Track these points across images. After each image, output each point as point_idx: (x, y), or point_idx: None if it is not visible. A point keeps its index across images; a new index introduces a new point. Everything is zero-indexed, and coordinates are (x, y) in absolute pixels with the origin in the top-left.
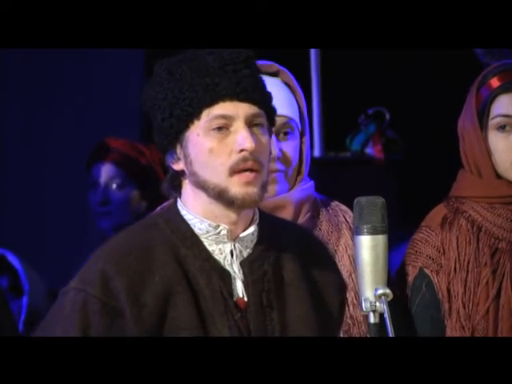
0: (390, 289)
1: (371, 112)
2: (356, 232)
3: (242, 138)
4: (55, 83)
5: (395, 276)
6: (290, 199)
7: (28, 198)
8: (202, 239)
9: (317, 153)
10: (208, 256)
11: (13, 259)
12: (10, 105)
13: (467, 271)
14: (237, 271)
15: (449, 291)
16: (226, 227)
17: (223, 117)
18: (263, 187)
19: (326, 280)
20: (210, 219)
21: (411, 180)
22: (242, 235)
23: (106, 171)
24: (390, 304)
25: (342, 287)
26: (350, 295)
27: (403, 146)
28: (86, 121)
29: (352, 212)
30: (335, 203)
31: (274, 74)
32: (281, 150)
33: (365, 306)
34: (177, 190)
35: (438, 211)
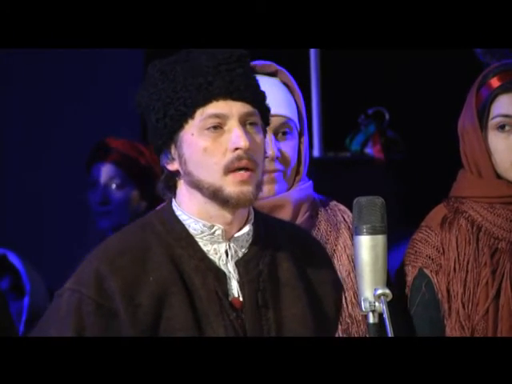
0: (390, 289)
1: (371, 112)
2: (355, 232)
3: (236, 137)
4: (55, 83)
5: (395, 276)
6: (288, 199)
7: (28, 197)
8: (197, 239)
9: (316, 153)
10: (203, 256)
11: (14, 259)
12: (10, 105)
13: (467, 271)
14: (232, 271)
15: (448, 291)
16: (221, 227)
17: (217, 116)
18: (258, 186)
19: (322, 279)
20: (205, 219)
21: (411, 180)
22: (236, 235)
23: (105, 171)
24: (390, 304)
25: (338, 286)
26: (348, 294)
27: (403, 145)
28: (86, 121)
29: (351, 212)
30: (334, 203)
31: (273, 74)
32: (279, 150)
33: (364, 306)
34: (172, 190)
35: (438, 211)
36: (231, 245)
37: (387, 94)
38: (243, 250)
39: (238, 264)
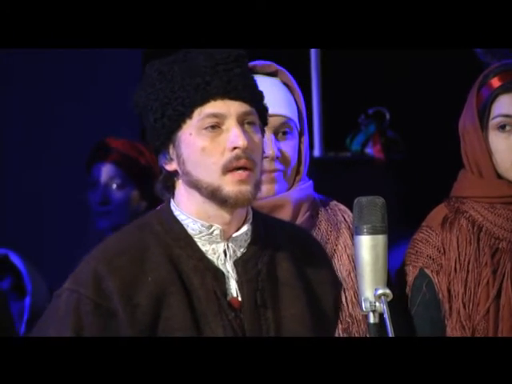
0: (390, 289)
1: (371, 112)
2: (356, 232)
3: (234, 136)
4: (55, 83)
5: (395, 276)
6: (288, 199)
7: (28, 197)
8: (196, 239)
9: (317, 153)
10: (202, 256)
11: (16, 259)
12: (9, 105)
13: (467, 271)
14: (230, 271)
15: (449, 291)
16: (219, 227)
17: (215, 115)
18: (256, 186)
19: (321, 279)
20: (204, 219)
21: (411, 180)
22: (235, 235)
23: (105, 171)
24: (390, 304)
25: (337, 286)
26: (349, 294)
27: (403, 145)
28: (86, 121)
29: (351, 212)
30: (334, 203)
31: (273, 74)
32: (279, 150)
33: (365, 306)
34: (170, 190)
35: (439, 211)
36: (230, 244)
37: (387, 93)
38: (242, 250)
39: (236, 264)
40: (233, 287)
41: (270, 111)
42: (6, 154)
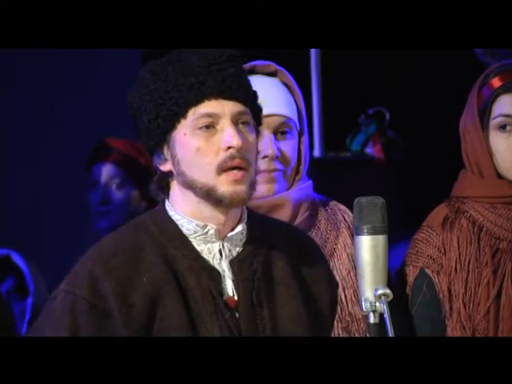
0: (390, 289)
1: (371, 112)
2: (356, 232)
3: (228, 136)
4: (55, 83)
5: (396, 276)
6: (288, 198)
7: (28, 197)
8: (191, 239)
9: (317, 153)
10: (197, 256)
11: (18, 260)
12: (10, 105)
13: (468, 271)
14: (226, 270)
15: (449, 291)
16: (214, 227)
17: (209, 115)
18: (251, 185)
19: (317, 277)
20: (199, 219)
21: (411, 180)
22: (229, 234)
23: (105, 171)
24: (390, 304)
25: (333, 285)
26: (348, 293)
27: (403, 145)
28: (86, 121)
29: (351, 211)
30: (334, 203)
31: (273, 74)
32: (279, 150)
33: (365, 306)
34: (165, 191)
35: (440, 211)
36: (225, 244)
37: (388, 93)
38: (237, 249)
39: (232, 263)
40: (229, 286)
41: (270, 111)
42: (6, 154)
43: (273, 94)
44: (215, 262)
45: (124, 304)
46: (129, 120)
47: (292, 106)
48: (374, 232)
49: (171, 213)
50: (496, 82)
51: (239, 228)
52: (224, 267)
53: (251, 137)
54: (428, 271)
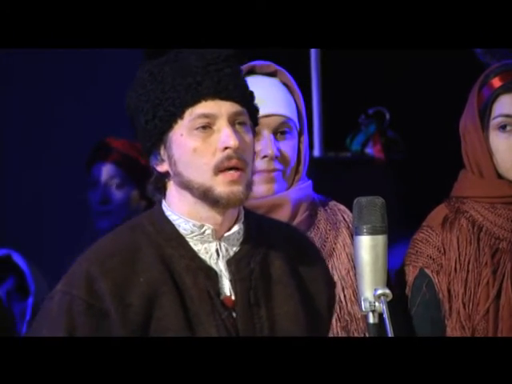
0: (390, 289)
1: (371, 112)
2: (356, 232)
3: (225, 136)
4: (55, 83)
5: (395, 276)
6: (287, 198)
7: (28, 197)
8: (188, 239)
9: (317, 153)
10: (194, 255)
11: (19, 260)
12: (10, 105)
13: (468, 271)
14: (223, 270)
15: (449, 291)
16: (211, 227)
17: (206, 115)
18: (248, 186)
19: (315, 277)
20: (195, 219)
21: (411, 180)
22: (226, 234)
23: (105, 171)
24: (390, 304)
25: (330, 284)
26: (348, 292)
27: (403, 146)
28: (86, 121)
29: (350, 211)
30: (333, 203)
31: (272, 74)
32: (279, 150)
33: (364, 306)
34: (161, 191)
35: (439, 211)
36: (222, 244)
37: (388, 94)
38: (234, 249)
39: (229, 263)
40: (226, 286)
41: (270, 111)
42: (6, 154)
43: (272, 94)
44: (212, 262)
45: (121, 304)
46: (129, 120)
47: (292, 106)
48: (373, 232)
49: (168, 213)
50: (496, 82)
51: (236, 228)
52: (221, 267)
53: (248, 137)
54: (428, 271)
